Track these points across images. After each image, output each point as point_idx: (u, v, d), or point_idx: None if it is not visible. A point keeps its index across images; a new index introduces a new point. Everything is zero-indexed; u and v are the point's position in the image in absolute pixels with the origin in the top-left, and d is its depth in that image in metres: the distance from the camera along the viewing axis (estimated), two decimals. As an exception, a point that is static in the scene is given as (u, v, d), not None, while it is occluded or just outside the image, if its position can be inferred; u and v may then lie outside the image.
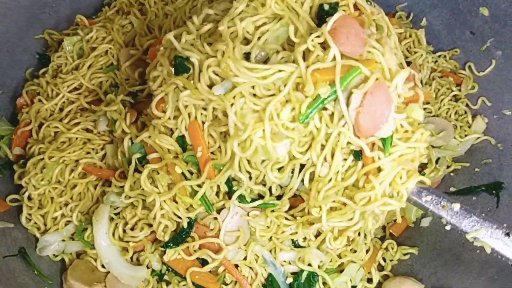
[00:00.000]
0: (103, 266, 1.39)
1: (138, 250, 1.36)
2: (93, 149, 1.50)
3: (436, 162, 1.67)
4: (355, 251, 1.43)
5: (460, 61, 1.83)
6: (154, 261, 1.35)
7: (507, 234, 1.14)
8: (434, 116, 1.73)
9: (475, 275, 1.39)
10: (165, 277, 1.39)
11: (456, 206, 1.17)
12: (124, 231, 1.36)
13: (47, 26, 1.81)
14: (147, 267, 1.38)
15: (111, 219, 1.38)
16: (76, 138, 1.50)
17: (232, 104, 1.09)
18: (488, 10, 1.73)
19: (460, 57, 1.84)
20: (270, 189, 1.27)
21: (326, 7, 1.14)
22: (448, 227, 1.19)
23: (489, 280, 1.35)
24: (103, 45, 1.64)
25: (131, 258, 1.39)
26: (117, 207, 1.38)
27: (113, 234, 1.36)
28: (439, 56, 1.86)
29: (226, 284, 1.36)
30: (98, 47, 1.64)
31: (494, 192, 1.53)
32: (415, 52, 1.80)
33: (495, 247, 1.14)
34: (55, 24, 1.83)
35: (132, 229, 1.34)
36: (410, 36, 1.84)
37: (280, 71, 1.07)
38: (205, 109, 1.17)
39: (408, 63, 1.72)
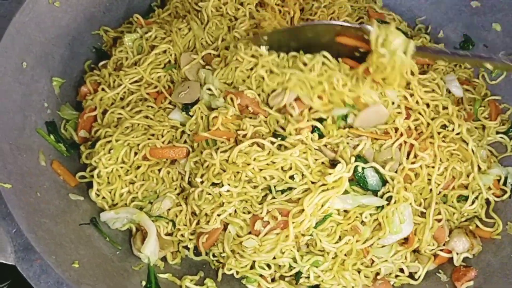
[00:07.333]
0: (166, 234, 1.52)
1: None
2: (153, 134, 1.58)
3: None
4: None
5: (475, 70, 1.96)
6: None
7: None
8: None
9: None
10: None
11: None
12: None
13: (102, 24, 1.95)
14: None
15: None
16: (138, 124, 1.60)
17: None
18: (500, 26, 1.90)
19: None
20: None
21: None
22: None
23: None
24: (163, 44, 1.73)
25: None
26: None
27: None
28: (455, 65, 1.96)
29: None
30: (158, 46, 1.73)
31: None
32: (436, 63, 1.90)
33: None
34: (108, 21, 1.98)
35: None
36: (433, 49, 1.99)
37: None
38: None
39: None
